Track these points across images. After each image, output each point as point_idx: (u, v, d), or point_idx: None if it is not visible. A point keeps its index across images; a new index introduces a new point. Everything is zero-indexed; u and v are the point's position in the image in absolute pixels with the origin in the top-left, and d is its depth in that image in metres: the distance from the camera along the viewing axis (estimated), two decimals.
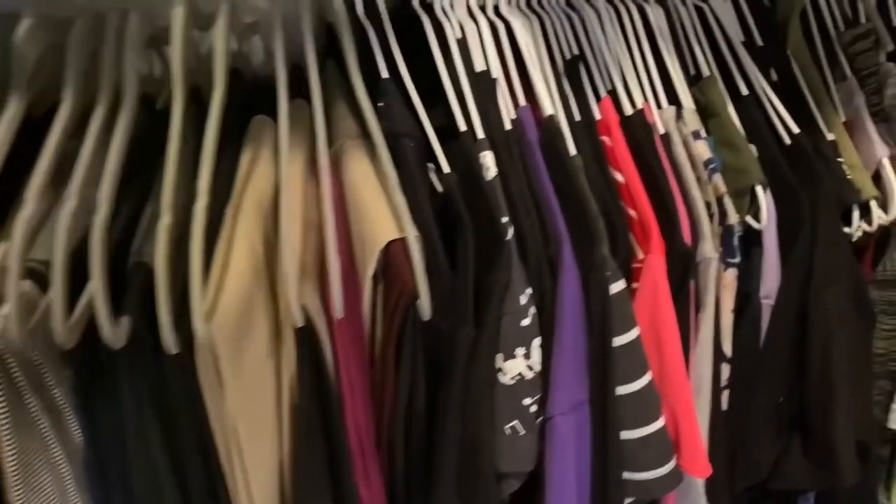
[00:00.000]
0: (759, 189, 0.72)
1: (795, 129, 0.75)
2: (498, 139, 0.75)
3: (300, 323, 0.68)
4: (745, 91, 0.78)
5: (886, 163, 0.77)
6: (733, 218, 0.71)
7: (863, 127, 0.80)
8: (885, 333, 0.81)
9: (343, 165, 0.84)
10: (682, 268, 0.71)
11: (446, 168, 0.73)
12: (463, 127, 0.75)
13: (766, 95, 0.77)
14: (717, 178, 0.73)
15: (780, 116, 0.76)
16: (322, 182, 0.78)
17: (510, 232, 0.71)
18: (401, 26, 0.81)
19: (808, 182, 0.71)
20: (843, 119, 0.82)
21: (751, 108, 0.77)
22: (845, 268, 0.71)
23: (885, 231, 0.80)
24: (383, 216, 0.79)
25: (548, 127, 0.73)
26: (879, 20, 0.83)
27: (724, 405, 0.78)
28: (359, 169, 0.85)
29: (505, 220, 0.71)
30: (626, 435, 0.73)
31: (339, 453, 0.81)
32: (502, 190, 0.72)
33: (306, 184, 0.88)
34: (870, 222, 0.77)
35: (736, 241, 0.71)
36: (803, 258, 0.71)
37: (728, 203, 0.71)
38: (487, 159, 0.74)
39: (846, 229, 0.77)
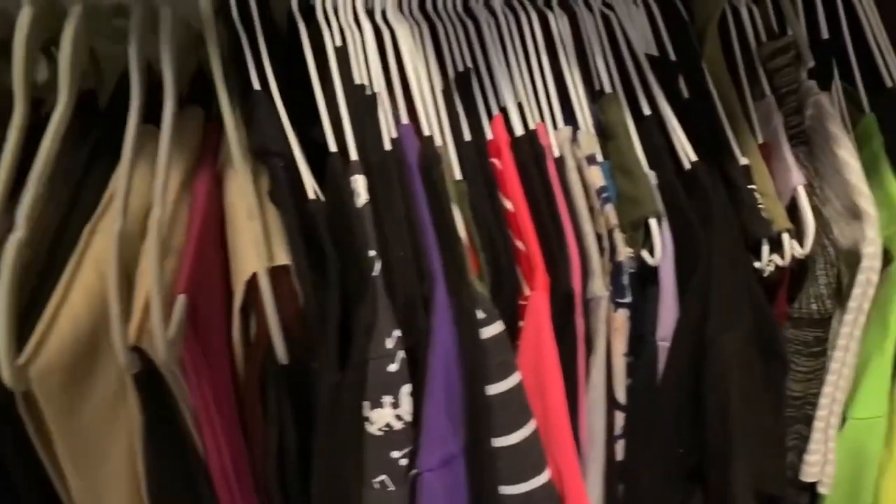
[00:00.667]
0: (652, 222, 0.65)
1: (693, 156, 0.68)
2: (373, 161, 0.69)
3: (129, 368, 0.61)
4: (647, 111, 0.71)
5: (802, 191, 0.72)
6: (623, 254, 0.65)
7: (780, 151, 0.74)
8: (800, 375, 0.76)
9: (225, 183, 0.77)
10: (567, 307, 0.64)
11: (311, 193, 0.66)
12: (333, 147, 0.67)
13: (670, 116, 0.69)
14: (609, 209, 0.67)
15: (681, 141, 0.69)
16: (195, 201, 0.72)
17: (377, 267, 0.64)
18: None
19: (705, 214, 0.64)
20: (760, 141, 0.75)
21: (652, 130, 0.70)
22: (746, 310, 0.65)
23: (803, 265, 0.73)
24: (251, 244, 0.72)
25: (424, 149, 0.66)
26: (802, 32, 0.76)
27: (620, 456, 0.70)
28: (238, 188, 0.77)
29: (372, 253, 0.64)
30: (506, 490, 0.67)
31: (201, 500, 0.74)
32: (372, 219, 0.65)
33: (179, 203, 0.80)
34: (783, 256, 0.70)
35: (626, 280, 0.66)
36: (698, 299, 0.64)
37: (618, 237, 0.66)
38: (358, 184, 0.67)
39: (756, 264, 0.70)
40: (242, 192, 0.76)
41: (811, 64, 0.78)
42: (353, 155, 0.71)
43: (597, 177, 0.71)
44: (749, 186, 0.73)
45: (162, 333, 0.59)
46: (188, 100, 0.87)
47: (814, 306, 0.74)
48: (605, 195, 0.70)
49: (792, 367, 0.77)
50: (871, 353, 0.77)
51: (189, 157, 0.83)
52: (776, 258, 0.73)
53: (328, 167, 0.70)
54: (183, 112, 0.87)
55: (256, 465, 0.77)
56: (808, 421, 0.79)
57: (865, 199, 0.70)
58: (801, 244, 0.73)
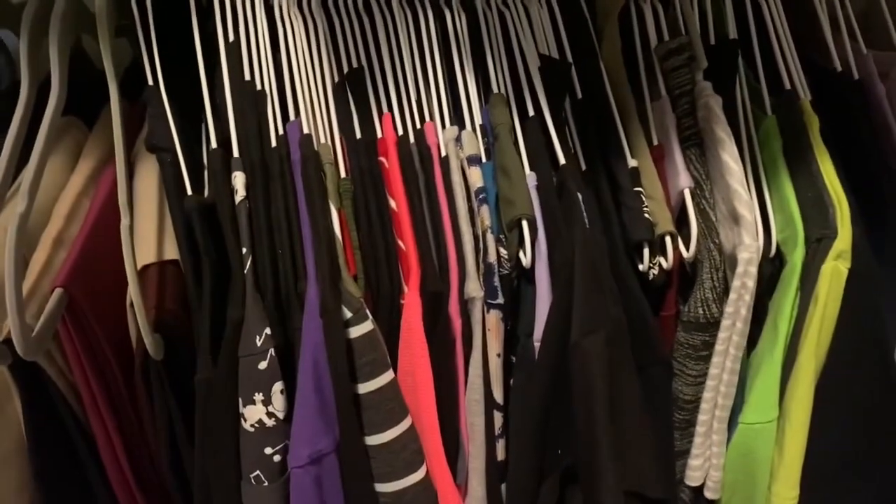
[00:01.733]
0: (524, 224, 0.65)
1: (562, 159, 0.68)
2: (255, 158, 0.70)
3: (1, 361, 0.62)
4: (532, 112, 0.71)
5: (688, 194, 0.73)
6: (493, 256, 0.65)
7: (671, 152, 0.74)
8: (690, 379, 0.77)
9: (135, 173, 0.80)
10: (441, 307, 0.65)
11: (188, 189, 0.66)
12: (214, 143, 0.68)
13: (552, 117, 0.69)
14: (484, 210, 0.68)
15: (557, 143, 0.69)
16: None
17: (248, 264, 0.64)
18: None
19: (571, 217, 0.64)
20: (655, 142, 0.75)
21: (534, 131, 0.71)
22: (616, 315, 0.65)
23: (694, 267, 0.73)
24: (143, 237, 0.73)
25: (302, 147, 0.66)
26: (697, 32, 0.76)
27: (502, 455, 0.71)
28: (143, 180, 0.78)
29: (244, 250, 0.65)
30: (381, 488, 0.68)
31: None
32: (247, 216, 0.65)
33: (83, 195, 0.81)
34: (667, 259, 0.70)
35: (497, 282, 0.66)
36: (563, 301, 0.64)
37: (490, 239, 0.67)
38: (237, 181, 0.67)
39: (640, 266, 0.70)
40: (150, 186, 0.77)
41: (704, 65, 0.77)
42: (236, 151, 0.72)
43: (477, 177, 0.72)
44: (635, 189, 0.74)
45: (18, 328, 0.60)
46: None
47: (700, 310, 0.74)
48: (482, 196, 0.71)
49: (682, 370, 0.77)
50: (762, 357, 0.77)
51: (103, 150, 0.84)
52: (661, 261, 0.73)
53: (208, 163, 0.71)
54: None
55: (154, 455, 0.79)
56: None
57: (744, 203, 0.70)
58: (688, 247, 0.73)
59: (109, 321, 0.73)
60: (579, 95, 0.79)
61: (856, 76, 0.84)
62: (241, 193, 0.69)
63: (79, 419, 0.75)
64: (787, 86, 0.81)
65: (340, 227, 0.70)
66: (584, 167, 0.77)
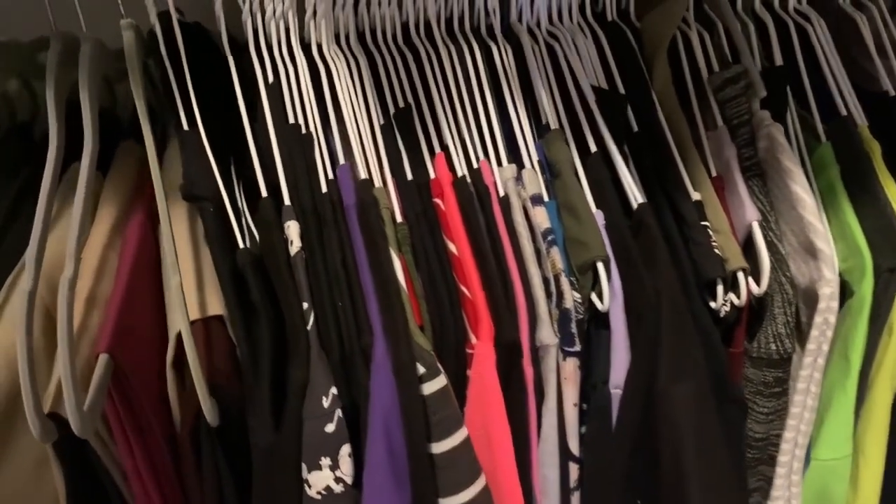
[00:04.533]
0: (600, 266, 0.63)
1: (639, 195, 0.66)
2: (306, 205, 0.67)
3: (45, 438, 0.57)
4: (593, 147, 0.69)
5: (756, 227, 0.71)
6: (569, 300, 0.63)
7: (734, 184, 0.72)
8: (761, 417, 0.74)
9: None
10: (514, 356, 0.62)
11: (240, 241, 0.63)
12: (264, 191, 0.64)
13: (616, 152, 0.68)
14: (555, 252, 0.65)
15: (627, 178, 0.67)
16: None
17: (311, 319, 0.61)
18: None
19: (651, 257, 0.62)
20: (713, 174, 0.73)
21: (598, 168, 0.69)
22: (699, 357, 0.63)
23: (762, 302, 0.71)
24: (175, 301, 0.69)
25: (361, 192, 0.63)
26: (751, 61, 0.75)
27: None
28: (178, 231, 0.74)
29: (306, 305, 0.61)
30: None
31: None
32: (305, 268, 0.62)
33: (109, 249, 0.77)
34: (739, 295, 0.68)
35: (574, 327, 0.64)
36: (648, 347, 0.62)
37: (564, 283, 0.64)
38: (291, 231, 0.64)
39: (712, 304, 0.68)
40: (185, 238, 0.73)
41: (763, 94, 0.76)
42: (287, 199, 0.68)
43: (542, 217, 0.69)
44: (702, 223, 0.72)
45: (74, 403, 0.55)
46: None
47: (773, 346, 0.72)
48: (550, 237, 0.68)
49: (752, 408, 0.75)
50: (833, 391, 0.75)
51: (123, 197, 0.80)
52: (733, 297, 0.71)
53: (259, 213, 0.67)
54: (122, 146, 0.84)
55: None
56: (772, 462, 0.77)
57: (821, 237, 0.68)
58: (758, 282, 0.71)
59: (149, 386, 0.69)
60: (635, 128, 0.78)
61: None
62: (296, 244, 0.66)
63: (121, 493, 0.71)
64: (843, 111, 0.80)
65: (403, 275, 0.67)
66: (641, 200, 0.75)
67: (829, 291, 0.68)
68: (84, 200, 0.65)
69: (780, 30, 0.85)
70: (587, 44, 0.80)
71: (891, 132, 0.80)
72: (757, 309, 0.75)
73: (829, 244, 0.68)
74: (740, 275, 0.70)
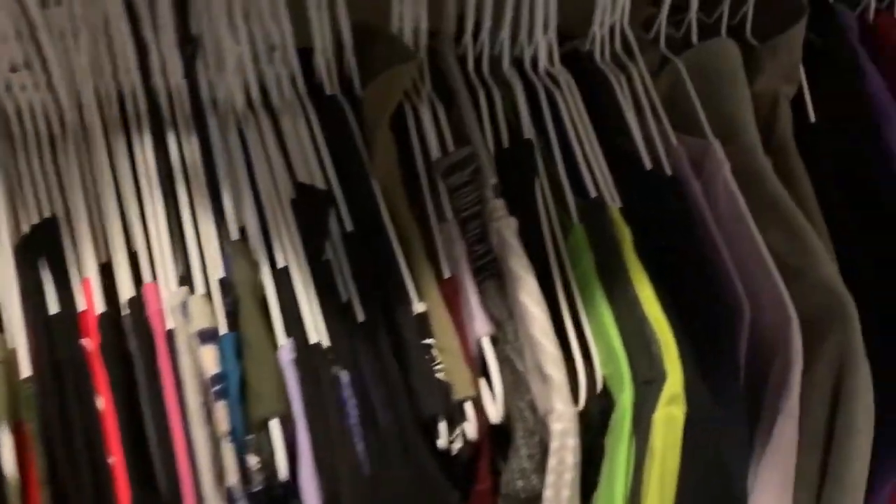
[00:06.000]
0: (272, 424, 0.49)
1: (322, 328, 0.54)
2: None
3: None
4: (281, 262, 0.56)
5: (487, 345, 0.59)
6: (232, 476, 0.49)
7: (464, 290, 0.60)
8: None
9: None
10: None
11: None
12: None
13: (303, 269, 0.55)
14: (221, 408, 0.50)
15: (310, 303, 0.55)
16: None
17: None
18: None
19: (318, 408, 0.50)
20: (446, 275, 0.61)
21: (283, 288, 0.54)
22: None
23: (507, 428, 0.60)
24: None
25: None
26: (481, 140, 0.64)
27: None
28: None
29: None
30: None
31: None
32: None
33: None
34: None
35: None
36: None
37: (227, 452, 0.49)
38: None
39: (438, 443, 0.56)
40: None
41: (493, 181, 0.65)
42: None
43: (210, 360, 0.55)
44: (424, 342, 0.59)
45: None
46: None
47: (519, 483, 0.60)
48: (218, 387, 0.54)
49: None
50: None
51: None
52: (466, 429, 0.59)
53: None
54: None
55: None
56: None
57: (551, 360, 0.57)
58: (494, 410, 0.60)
59: None
60: (348, 228, 0.65)
61: (668, 172, 0.76)
62: None
63: None
64: (591, 191, 0.71)
65: (19, 453, 0.51)
66: (360, 318, 0.62)
67: (560, 427, 0.56)
68: None
69: (531, 93, 0.75)
70: (298, 126, 0.67)
71: (650, 209, 0.72)
72: (508, 431, 0.64)
73: (559, 369, 0.57)
74: (468, 405, 0.58)
